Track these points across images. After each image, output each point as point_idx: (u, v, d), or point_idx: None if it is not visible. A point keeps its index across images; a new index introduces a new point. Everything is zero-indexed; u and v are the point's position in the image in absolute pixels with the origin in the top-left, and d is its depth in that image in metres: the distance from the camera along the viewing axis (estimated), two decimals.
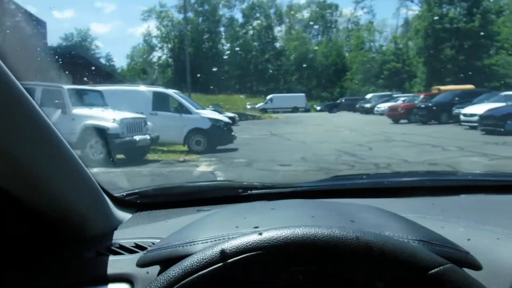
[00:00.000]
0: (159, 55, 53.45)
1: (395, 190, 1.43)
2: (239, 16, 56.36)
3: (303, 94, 38.53)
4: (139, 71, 52.41)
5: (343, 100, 35.76)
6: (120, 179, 7.12)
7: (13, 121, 0.74)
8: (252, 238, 0.64)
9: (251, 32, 54.69)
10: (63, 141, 0.88)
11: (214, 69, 46.92)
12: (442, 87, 25.43)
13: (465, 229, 0.99)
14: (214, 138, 10.59)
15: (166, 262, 0.72)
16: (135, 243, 0.98)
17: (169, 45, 52.39)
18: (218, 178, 6.85)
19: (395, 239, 0.69)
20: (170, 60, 51.86)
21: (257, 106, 34.43)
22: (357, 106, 29.24)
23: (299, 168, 7.52)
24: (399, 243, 0.67)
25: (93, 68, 18.90)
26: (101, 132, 8.33)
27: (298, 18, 57.10)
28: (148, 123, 9.36)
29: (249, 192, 1.35)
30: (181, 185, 1.56)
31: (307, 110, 36.59)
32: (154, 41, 53.47)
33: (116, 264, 0.92)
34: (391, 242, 0.66)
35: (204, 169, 7.89)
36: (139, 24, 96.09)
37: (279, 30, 56.04)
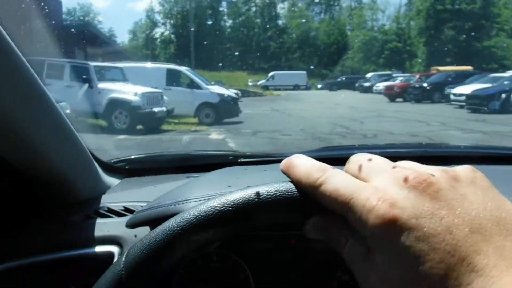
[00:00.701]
0: (162, 31, 54.10)
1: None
2: None
3: (304, 72, 39.21)
4: (141, 46, 53.42)
5: (344, 79, 36.55)
6: (141, 146, 8.34)
7: (4, 85, 0.75)
8: (248, 192, 0.55)
9: (253, 9, 55.20)
10: (56, 106, 0.90)
11: (215, 44, 47.72)
12: (441, 68, 26.48)
13: None
14: (222, 111, 11.82)
15: (156, 222, 0.65)
16: (124, 207, 1.00)
17: (172, 21, 53.03)
18: (229, 144, 8.13)
19: None
20: (172, 36, 52.55)
21: (258, 83, 35.26)
22: (357, 84, 30.22)
23: (298, 137, 8.79)
24: None
25: (104, 44, 19.99)
26: (124, 104, 9.58)
27: None
28: (164, 97, 10.59)
29: (240, 160, 1.37)
30: (171, 152, 1.60)
31: (307, 88, 37.22)
32: (157, 17, 54.04)
33: (104, 226, 0.94)
34: None
35: (216, 137, 9.17)
36: None
37: (281, 7, 56.53)
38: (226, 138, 8.96)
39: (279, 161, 1.17)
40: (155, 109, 9.86)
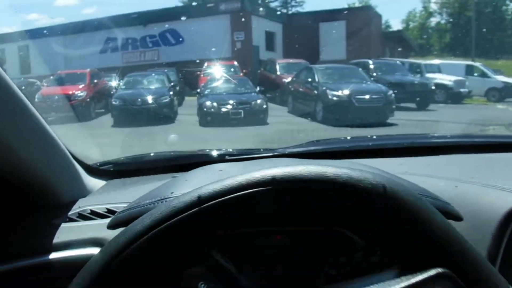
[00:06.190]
0: (437, 20, 59.44)
1: (376, 152, 1.57)
2: None
3: None
4: (416, 35, 59.75)
5: None
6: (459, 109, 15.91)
7: None
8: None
9: None
10: (34, 111, 0.98)
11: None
12: None
13: (445, 183, 1.13)
14: (504, 94, 18.52)
15: None
16: (107, 208, 1.07)
17: (449, 10, 57.85)
18: (510, 109, 15.22)
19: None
20: (448, 25, 57.37)
21: None
22: None
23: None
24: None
25: (406, 44, 28.58)
26: (443, 86, 17.40)
27: None
28: (466, 83, 18.04)
29: (226, 158, 1.48)
30: (157, 153, 1.68)
31: None
32: (433, 6, 59.62)
33: (87, 229, 1.00)
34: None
35: (500, 106, 16.31)
36: None
37: None
38: (508, 108, 16.04)
39: (258, 158, 1.41)
40: (461, 90, 17.46)
